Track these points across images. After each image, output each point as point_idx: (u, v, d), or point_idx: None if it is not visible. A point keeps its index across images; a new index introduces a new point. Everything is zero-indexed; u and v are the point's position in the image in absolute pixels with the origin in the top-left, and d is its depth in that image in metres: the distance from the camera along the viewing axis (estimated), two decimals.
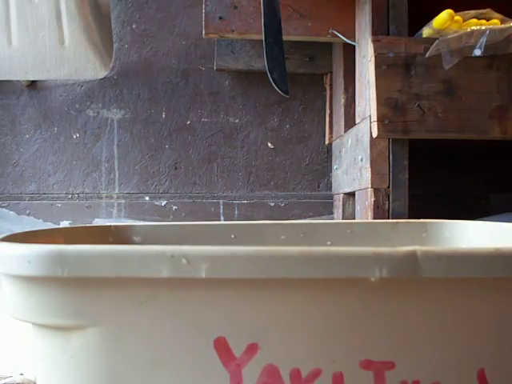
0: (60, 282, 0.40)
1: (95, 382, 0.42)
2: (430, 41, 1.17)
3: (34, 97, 1.64)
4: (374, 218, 1.19)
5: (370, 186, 1.20)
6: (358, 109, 1.36)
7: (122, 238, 0.72)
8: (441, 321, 0.41)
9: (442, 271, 0.39)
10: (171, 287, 0.40)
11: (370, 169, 1.20)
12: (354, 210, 1.40)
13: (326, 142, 1.69)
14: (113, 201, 1.64)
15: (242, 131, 1.69)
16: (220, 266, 0.38)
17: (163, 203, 1.65)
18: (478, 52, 1.12)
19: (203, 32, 1.40)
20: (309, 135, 1.70)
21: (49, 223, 1.63)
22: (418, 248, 0.39)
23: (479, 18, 1.17)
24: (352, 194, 1.47)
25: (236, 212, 1.67)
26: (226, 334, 0.41)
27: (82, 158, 1.64)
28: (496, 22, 1.15)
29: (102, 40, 1.49)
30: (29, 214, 1.63)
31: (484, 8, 1.18)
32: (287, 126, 1.70)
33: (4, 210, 1.61)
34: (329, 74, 1.68)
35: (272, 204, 1.69)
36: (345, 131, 1.50)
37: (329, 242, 0.75)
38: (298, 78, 1.68)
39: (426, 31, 1.19)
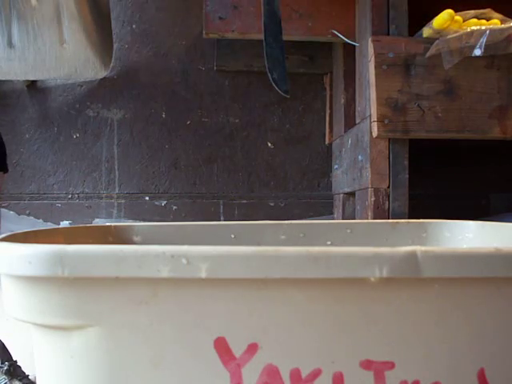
0: (60, 282, 0.40)
1: (96, 381, 0.42)
2: (430, 41, 1.17)
3: (34, 97, 1.64)
4: (374, 218, 1.19)
5: (370, 185, 1.20)
6: (358, 109, 1.36)
7: (122, 238, 0.72)
8: (441, 321, 0.41)
9: (442, 271, 0.39)
10: (171, 287, 0.40)
11: (369, 169, 1.20)
12: (354, 210, 1.40)
13: (326, 142, 1.69)
14: (113, 201, 1.64)
15: (242, 131, 1.69)
16: (220, 266, 0.39)
17: (163, 203, 1.65)
18: (478, 52, 1.12)
19: (203, 32, 1.40)
20: (309, 135, 1.70)
21: (49, 223, 1.63)
22: (418, 248, 0.39)
23: (479, 18, 1.17)
24: (352, 194, 1.47)
25: (236, 212, 1.67)
26: (226, 334, 0.41)
27: (82, 158, 1.64)
28: (496, 22, 1.15)
29: (101, 40, 1.49)
30: (29, 214, 1.63)
31: (484, 8, 1.18)
32: (287, 125, 1.70)
33: (4, 209, 1.61)
34: (329, 74, 1.68)
35: (272, 204, 1.69)
36: (345, 131, 1.50)
37: (329, 242, 0.75)
38: (298, 77, 1.68)
39: (426, 31, 1.19)
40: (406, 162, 1.20)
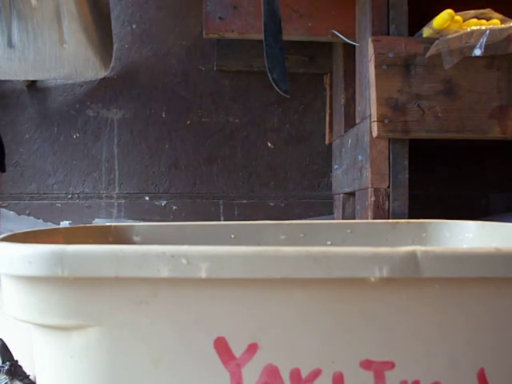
0: (60, 282, 0.40)
1: (96, 381, 0.42)
2: (430, 41, 1.17)
3: (34, 97, 1.64)
4: (374, 218, 1.19)
5: (370, 185, 1.20)
6: (358, 109, 1.36)
7: (122, 238, 0.72)
8: (441, 321, 0.41)
9: (442, 271, 0.39)
10: (171, 287, 0.40)
11: (369, 169, 1.20)
12: (354, 210, 1.40)
13: (326, 142, 1.69)
14: (113, 201, 1.64)
15: (242, 131, 1.68)
16: (220, 266, 0.39)
17: (163, 203, 1.65)
18: (478, 52, 1.12)
19: (203, 32, 1.40)
20: (309, 135, 1.70)
21: (49, 223, 1.63)
22: (418, 248, 0.39)
23: (479, 18, 1.17)
24: (352, 194, 1.47)
25: (236, 212, 1.67)
26: (226, 334, 0.41)
27: (82, 158, 1.64)
28: (496, 22, 1.15)
29: (101, 40, 1.49)
30: (29, 214, 1.63)
31: (484, 8, 1.18)
32: (287, 125, 1.70)
33: (4, 210, 1.61)
34: (329, 74, 1.68)
35: (272, 204, 1.68)
36: (345, 131, 1.50)
37: (329, 242, 0.75)
38: (298, 77, 1.68)
39: (426, 31, 1.19)
40: (406, 162, 1.20)
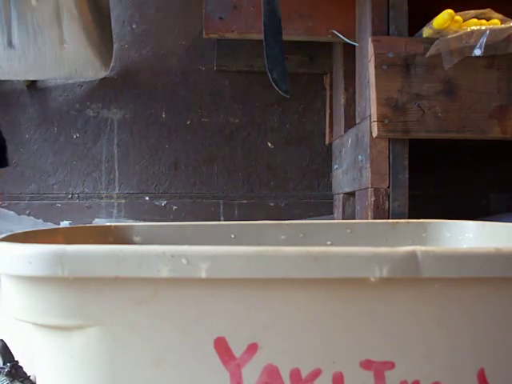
0: (60, 282, 0.40)
1: (96, 381, 0.42)
2: (430, 41, 1.17)
3: (34, 97, 1.64)
4: (374, 218, 1.19)
5: (370, 185, 1.20)
6: (358, 109, 1.36)
7: (121, 238, 0.72)
8: (441, 321, 0.41)
9: (442, 271, 0.39)
10: (171, 287, 0.40)
11: (369, 169, 1.20)
12: (354, 210, 1.40)
13: (326, 142, 1.69)
14: (113, 201, 1.64)
15: (242, 131, 1.68)
16: (220, 266, 0.39)
17: (163, 203, 1.65)
18: (478, 52, 1.12)
19: (203, 32, 1.40)
20: (309, 135, 1.70)
21: (49, 223, 1.63)
22: (418, 248, 0.39)
23: (479, 18, 1.17)
24: (352, 194, 1.47)
25: (236, 212, 1.67)
26: (226, 334, 0.41)
27: (82, 158, 1.64)
28: (496, 22, 1.15)
29: (101, 40, 1.49)
30: (29, 214, 1.63)
31: (484, 8, 1.18)
32: (287, 125, 1.70)
33: (4, 210, 1.61)
34: (329, 74, 1.68)
35: (272, 204, 1.68)
36: (345, 131, 1.50)
37: (329, 242, 0.75)
38: (298, 77, 1.68)
39: (426, 31, 1.19)
40: (406, 162, 1.20)
